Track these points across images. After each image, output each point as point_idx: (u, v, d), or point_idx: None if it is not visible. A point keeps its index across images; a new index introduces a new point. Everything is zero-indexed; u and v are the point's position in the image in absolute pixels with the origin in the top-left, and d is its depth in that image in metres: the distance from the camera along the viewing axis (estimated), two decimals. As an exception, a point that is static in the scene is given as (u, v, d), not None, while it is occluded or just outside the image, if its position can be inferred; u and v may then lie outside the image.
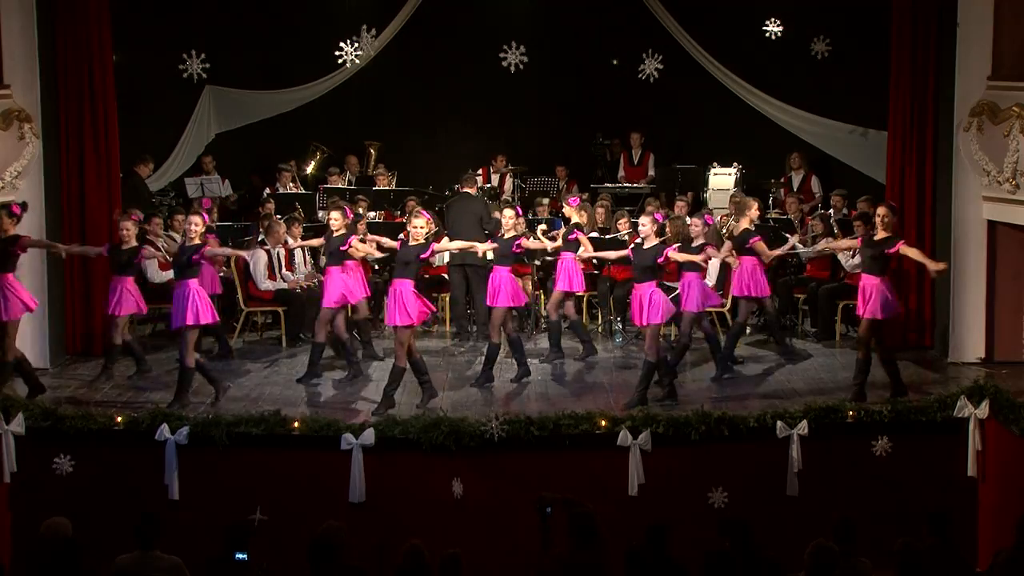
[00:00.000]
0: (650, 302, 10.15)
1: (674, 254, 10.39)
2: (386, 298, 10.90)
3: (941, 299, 11.72)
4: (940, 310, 11.74)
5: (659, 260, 10.28)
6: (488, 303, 11.07)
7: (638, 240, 10.64)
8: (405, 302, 10.01)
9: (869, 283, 10.33)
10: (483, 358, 11.17)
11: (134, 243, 10.90)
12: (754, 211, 11.52)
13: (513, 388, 10.91)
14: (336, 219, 11.02)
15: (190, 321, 10.09)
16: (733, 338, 11.48)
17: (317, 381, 11.08)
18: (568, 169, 15.96)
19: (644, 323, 10.23)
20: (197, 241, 10.28)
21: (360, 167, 16.03)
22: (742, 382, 11.11)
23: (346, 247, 10.91)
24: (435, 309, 11.84)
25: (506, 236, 11.08)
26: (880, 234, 10.37)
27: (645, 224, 10.43)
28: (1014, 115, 10.87)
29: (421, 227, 10.37)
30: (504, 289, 10.84)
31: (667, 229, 10.79)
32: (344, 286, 11.01)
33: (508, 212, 11.20)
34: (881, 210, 10.43)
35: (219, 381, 10.44)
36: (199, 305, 10.10)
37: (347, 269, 11.28)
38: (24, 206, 10.65)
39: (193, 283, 10.17)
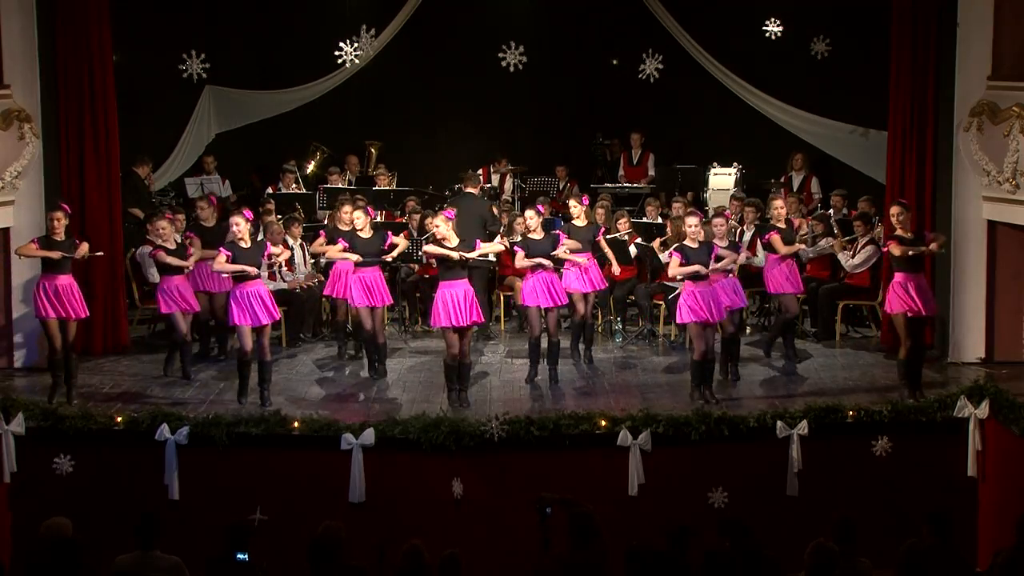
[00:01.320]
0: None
1: (723, 251, 10.62)
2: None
3: (941, 299, 11.69)
4: (940, 310, 11.73)
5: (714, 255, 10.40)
6: (545, 304, 10.81)
7: (673, 242, 10.71)
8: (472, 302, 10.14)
9: (919, 281, 10.33)
10: (527, 359, 11.12)
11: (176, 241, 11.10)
12: (776, 210, 11.53)
13: (513, 388, 10.90)
14: (360, 218, 10.97)
15: (269, 320, 10.28)
16: (791, 335, 11.62)
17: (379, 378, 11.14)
18: (568, 169, 15.97)
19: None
20: (247, 240, 10.33)
21: (360, 167, 16.03)
22: (742, 382, 11.08)
23: (388, 245, 10.82)
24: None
25: (534, 238, 10.88)
26: (904, 232, 10.32)
27: (694, 225, 10.38)
28: (1014, 115, 10.87)
29: (439, 225, 10.32)
30: (557, 290, 10.79)
31: (668, 228, 10.76)
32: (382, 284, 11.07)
33: (530, 214, 10.93)
34: (895, 209, 10.42)
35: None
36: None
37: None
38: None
39: (260, 282, 10.35)
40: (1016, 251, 11.42)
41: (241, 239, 10.32)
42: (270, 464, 9.62)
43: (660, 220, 13.18)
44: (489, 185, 15.58)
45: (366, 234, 10.96)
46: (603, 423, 9.67)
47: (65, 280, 10.36)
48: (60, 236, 10.40)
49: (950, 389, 10.38)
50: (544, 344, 11.01)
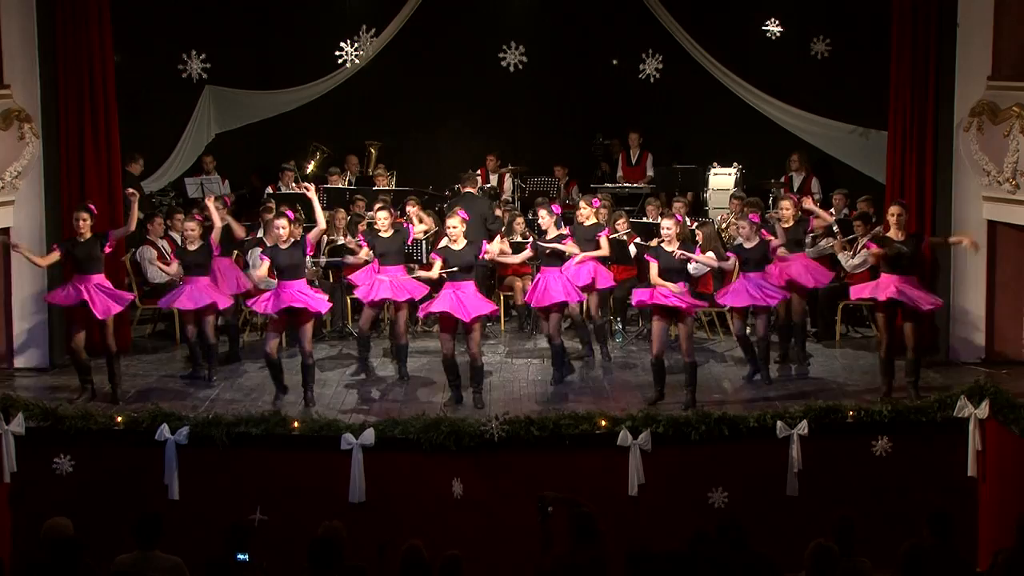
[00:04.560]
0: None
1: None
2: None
3: (941, 299, 11.70)
4: (940, 310, 11.71)
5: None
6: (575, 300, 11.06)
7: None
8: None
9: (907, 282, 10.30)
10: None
11: (200, 242, 11.10)
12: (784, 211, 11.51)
13: (513, 388, 10.89)
14: (385, 219, 11.00)
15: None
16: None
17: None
18: (568, 169, 15.97)
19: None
20: (288, 242, 10.34)
21: (360, 167, 16.04)
22: (742, 382, 11.08)
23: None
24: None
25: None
26: (900, 234, 10.32)
27: (668, 228, 10.38)
28: (1014, 115, 10.87)
29: (455, 227, 10.40)
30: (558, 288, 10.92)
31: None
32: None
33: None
34: (895, 209, 10.42)
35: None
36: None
37: None
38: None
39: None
40: (1016, 251, 11.43)
41: (285, 239, 10.33)
42: (270, 464, 9.62)
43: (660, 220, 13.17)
44: (489, 185, 15.60)
45: (388, 234, 10.99)
46: (603, 423, 9.67)
47: (97, 278, 10.42)
48: (85, 236, 10.40)
49: (950, 389, 10.37)
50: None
